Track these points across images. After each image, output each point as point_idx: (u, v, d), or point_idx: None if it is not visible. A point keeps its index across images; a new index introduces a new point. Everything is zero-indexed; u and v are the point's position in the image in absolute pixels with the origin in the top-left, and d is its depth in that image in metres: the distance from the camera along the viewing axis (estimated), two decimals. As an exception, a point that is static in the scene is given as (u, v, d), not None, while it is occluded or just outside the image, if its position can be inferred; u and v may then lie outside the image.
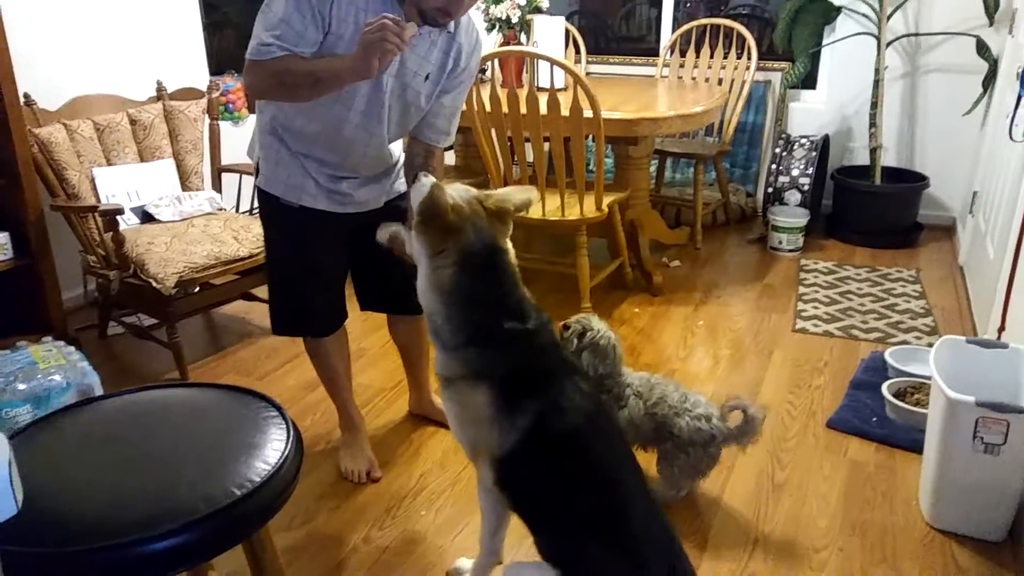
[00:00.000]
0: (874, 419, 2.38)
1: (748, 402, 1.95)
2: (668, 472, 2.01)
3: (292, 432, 1.28)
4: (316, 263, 2.04)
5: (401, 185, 2.11)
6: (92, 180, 2.84)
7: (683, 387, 2.02)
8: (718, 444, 1.95)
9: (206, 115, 3.21)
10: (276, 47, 1.71)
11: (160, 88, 3.15)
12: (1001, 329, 2.48)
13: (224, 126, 3.45)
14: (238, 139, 3.80)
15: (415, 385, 2.46)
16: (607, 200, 3.06)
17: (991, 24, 3.71)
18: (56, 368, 2.30)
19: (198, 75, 3.62)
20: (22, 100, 2.72)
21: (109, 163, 2.92)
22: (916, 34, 3.99)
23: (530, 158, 3.24)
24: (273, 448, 1.23)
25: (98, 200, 2.82)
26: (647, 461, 2.21)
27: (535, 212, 3.03)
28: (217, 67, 3.86)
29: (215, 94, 3.24)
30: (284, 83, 1.74)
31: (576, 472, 1.44)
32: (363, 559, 1.89)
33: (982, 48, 3.68)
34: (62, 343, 2.47)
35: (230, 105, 3.86)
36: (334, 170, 1.95)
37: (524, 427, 1.42)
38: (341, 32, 1.73)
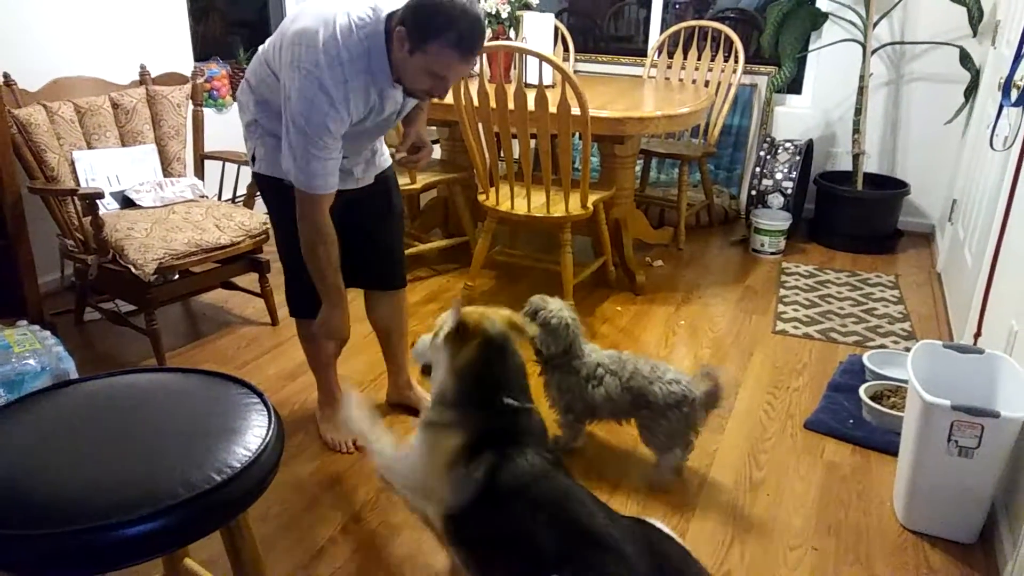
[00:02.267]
0: (851, 421, 2.41)
1: (718, 371, 2.10)
2: (655, 440, 2.11)
3: (273, 419, 1.27)
4: None
5: (386, 160, 2.23)
6: (72, 163, 2.80)
7: (650, 359, 2.15)
8: (691, 404, 2.06)
9: (190, 101, 3.18)
10: (332, 177, 1.86)
11: (143, 72, 3.11)
12: (977, 335, 2.51)
13: (208, 113, 3.42)
14: (222, 126, 3.78)
15: (394, 369, 2.47)
16: (592, 198, 3.07)
17: (974, 35, 3.76)
18: (31, 352, 2.26)
19: (182, 60, 3.58)
20: (1, 80, 2.68)
21: (90, 147, 2.88)
22: (901, 42, 4.03)
23: (516, 154, 3.23)
24: (254, 434, 1.21)
25: (77, 184, 2.78)
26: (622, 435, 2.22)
27: (520, 208, 3.03)
28: (202, 53, 3.82)
29: (199, 80, 3.20)
30: (310, 244, 1.92)
31: (535, 515, 1.46)
32: (341, 550, 1.88)
33: (965, 58, 3.73)
34: (37, 327, 2.43)
35: (214, 92, 3.83)
36: None
37: (478, 479, 1.48)
38: (357, 118, 1.87)
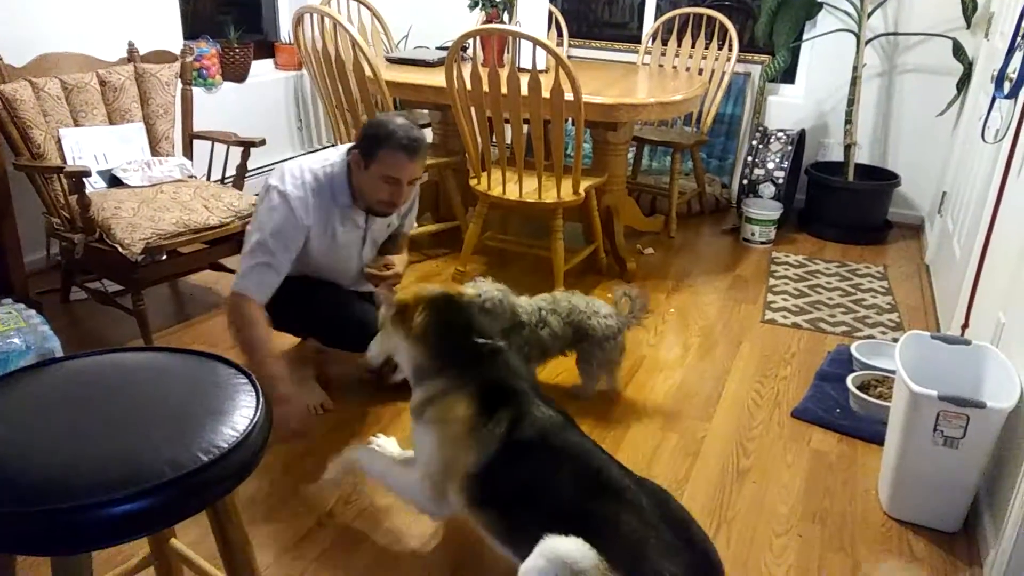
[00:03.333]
0: (838, 410, 2.42)
1: (628, 288, 2.43)
2: (588, 368, 2.40)
3: (262, 400, 1.25)
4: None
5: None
6: (58, 140, 2.76)
7: (581, 295, 2.39)
8: (623, 333, 2.37)
9: (179, 80, 3.14)
10: (264, 287, 2.11)
11: (132, 49, 3.07)
12: (965, 326, 2.53)
13: (197, 92, 3.38)
14: (211, 105, 3.74)
15: None
16: (584, 184, 3.06)
17: (968, 27, 3.76)
18: (16, 331, 2.24)
19: (171, 38, 3.54)
20: (-13, 54, 2.64)
21: (76, 124, 2.83)
22: (895, 33, 4.03)
23: (508, 139, 3.21)
24: (242, 415, 1.20)
25: (64, 161, 2.75)
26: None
27: (512, 193, 3.02)
28: (191, 31, 3.77)
29: (189, 58, 3.16)
30: (233, 324, 2.12)
31: (558, 459, 1.54)
32: (328, 533, 1.87)
33: (958, 50, 3.73)
34: (22, 306, 2.41)
35: (204, 71, 3.78)
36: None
37: (500, 433, 1.57)
38: (317, 232, 2.18)
